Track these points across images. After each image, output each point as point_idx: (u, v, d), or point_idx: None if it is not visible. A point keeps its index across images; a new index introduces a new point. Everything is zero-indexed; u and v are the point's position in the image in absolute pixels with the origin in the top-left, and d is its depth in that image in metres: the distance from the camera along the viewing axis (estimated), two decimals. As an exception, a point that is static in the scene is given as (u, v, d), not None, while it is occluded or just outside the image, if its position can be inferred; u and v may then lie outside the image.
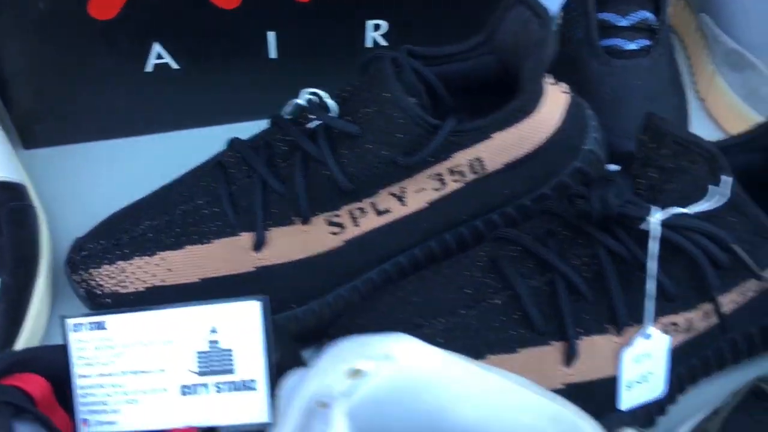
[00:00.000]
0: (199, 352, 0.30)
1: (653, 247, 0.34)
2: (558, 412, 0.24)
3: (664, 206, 0.34)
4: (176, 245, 0.40)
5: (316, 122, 0.39)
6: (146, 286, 0.40)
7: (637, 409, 0.38)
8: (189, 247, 0.40)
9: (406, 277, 0.41)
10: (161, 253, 0.40)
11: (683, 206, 0.34)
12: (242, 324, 0.30)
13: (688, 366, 0.39)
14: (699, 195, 0.34)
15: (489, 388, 0.24)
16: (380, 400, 0.24)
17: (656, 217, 0.34)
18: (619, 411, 0.37)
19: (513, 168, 0.41)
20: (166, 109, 0.52)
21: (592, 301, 0.36)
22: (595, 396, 0.37)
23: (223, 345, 0.30)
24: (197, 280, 0.40)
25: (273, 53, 0.51)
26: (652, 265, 0.34)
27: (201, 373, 0.30)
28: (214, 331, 0.30)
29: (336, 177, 0.38)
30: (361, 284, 0.42)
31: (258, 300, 0.30)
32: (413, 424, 0.24)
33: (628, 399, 0.37)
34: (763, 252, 0.36)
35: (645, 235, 0.34)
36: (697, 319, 0.37)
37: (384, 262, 0.42)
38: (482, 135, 0.39)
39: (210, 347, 0.30)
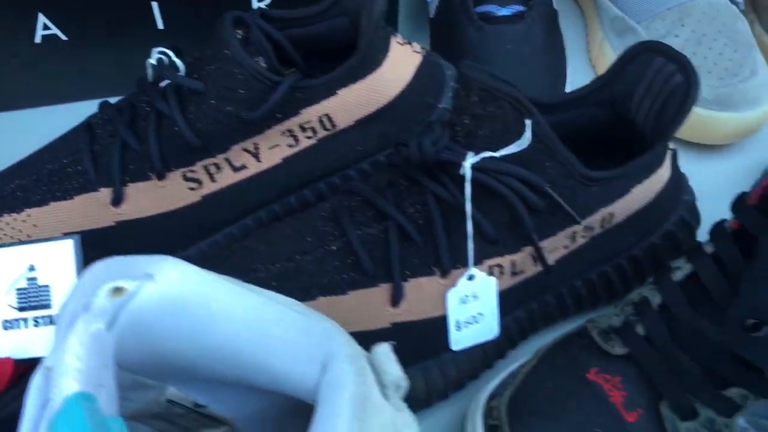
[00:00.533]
0: (18, 289, 0.32)
1: (467, 189, 0.36)
2: (309, 324, 0.26)
3: (477, 151, 0.36)
4: (42, 202, 0.42)
5: (167, 81, 0.41)
6: (13, 242, 0.42)
7: (473, 350, 0.40)
8: (53, 204, 0.42)
9: (264, 231, 0.43)
10: (28, 210, 0.42)
11: (494, 150, 0.35)
12: (57, 261, 0.32)
13: (526, 310, 0.41)
14: (511, 139, 0.36)
15: (246, 306, 0.26)
16: (142, 319, 0.26)
17: (468, 161, 0.35)
18: (453, 351, 0.39)
19: (364, 124, 0.43)
20: (58, 81, 0.53)
21: (422, 245, 0.38)
22: (426, 335, 0.38)
23: (40, 282, 0.32)
24: (60, 236, 0.42)
25: (160, 24, 0.52)
26: (468, 207, 0.36)
27: (20, 309, 0.32)
28: (32, 269, 0.32)
29: (184, 133, 0.40)
30: (222, 238, 0.44)
31: (70, 238, 0.32)
32: (176, 344, 0.26)
33: (459, 339, 0.39)
34: (583, 197, 0.38)
35: (464, 179, 0.36)
36: (523, 262, 0.39)
37: (243, 216, 0.44)
38: (328, 91, 0.41)
39: (28, 284, 0.32)
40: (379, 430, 0.25)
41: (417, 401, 0.39)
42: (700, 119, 0.52)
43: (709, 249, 0.35)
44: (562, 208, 0.37)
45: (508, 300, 0.40)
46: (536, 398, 0.35)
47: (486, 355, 0.40)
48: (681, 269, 0.36)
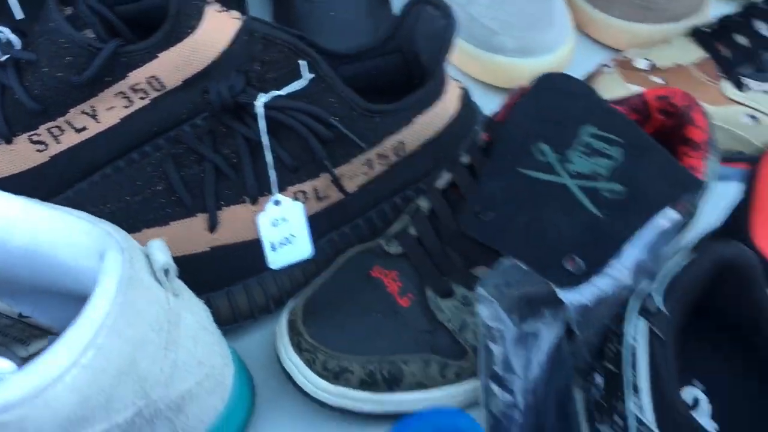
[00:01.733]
0: None
1: (261, 125, 0.42)
2: (91, 226, 0.32)
3: (267, 92, 0.42)
4: None
5: (5, 56, 0.46)
6: None
7: (292, 270, 0.46)
8: None
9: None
10: None
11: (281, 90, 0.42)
12: None
13: (339, 233, 0.47)
14: (294, 80, 0.42)
15: (39, 217, 0.32)
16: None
17: (260, 101, 0.42)
18: (272, 270, 0.45)
19: (190, 84, 0.49)
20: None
21: (234, 179, 0.44)
22: (244, 256, 0.44)
23: None
24: None
25: (18, 14, 0.57)
26: (265, 140, 0.42)
27: None
28: None
29: (23, 100, 0.45)
30: (73, 194, 0.49)
31: None
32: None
33: (276, 259, 0.45)
34: (367, 127, 0.44)
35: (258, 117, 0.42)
36: (325, 188, 0.45)
37: (91, 173, 0.49)
38: (149, 55, 0.47)
39: None
40: (147, 305, 0.31)
41: (242, 315, 0.45)
42: (504, 65, 0.59)
43: (465, 160, 0.42)
44: (347, 136, 0.43)
45: (319, 223, 0.46)
46: (327, 295, 0.41)
47: (303, 274, 0.46)
48: (443, 178, 0.42)
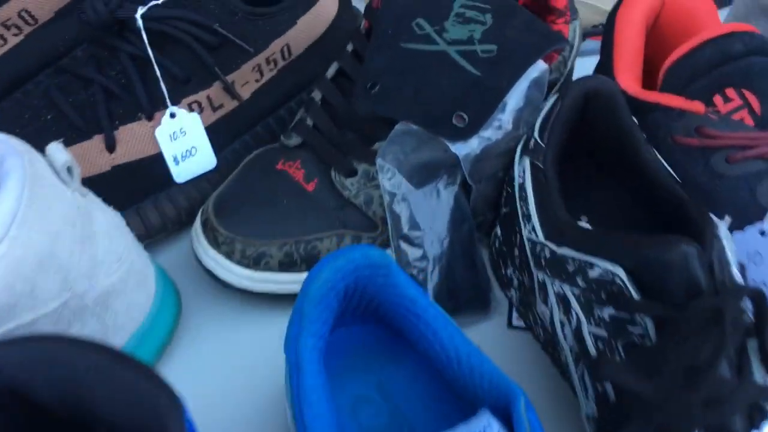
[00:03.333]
0: None
1: (144, 37, 0.42)
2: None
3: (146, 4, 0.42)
4: None
5: None
6: None
7: (198, 181, 0.47)
8: None
9: None
10: None
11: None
12: None
13: (241, 143, 0.49)
14: (171, -11, 0.42)
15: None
16: None
17: (138, 13, 0.42)
18: (179, 184, 0.46)
19: (62, 15, 0.48)
20: None
21: (126, 99, 0.44)
22: (148, 172, 0.45)
23: None
24: None
25: None
26: (150, 54, 0.42)
27: None
28: None
29: None
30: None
31: None
32: None
33: (180, 172, 0.46)
34: (252, 32, 0.45)
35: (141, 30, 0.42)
36: (218, 97, 0.46)
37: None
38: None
39: None
40: (55, 200, 0.31)
41: (155, 230, 0.45)
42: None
43: (349, 48, 0.44)
44: (233, 42, 0.44)
45: (218, 133, 0.47)
46: (237, 191, 0.42)
47: (210, 185, 0.47)
48: (332, 67, 0.44)
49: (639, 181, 0.37)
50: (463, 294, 0.41)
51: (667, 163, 0.38)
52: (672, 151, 0.38)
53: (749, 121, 0.36)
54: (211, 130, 0.46)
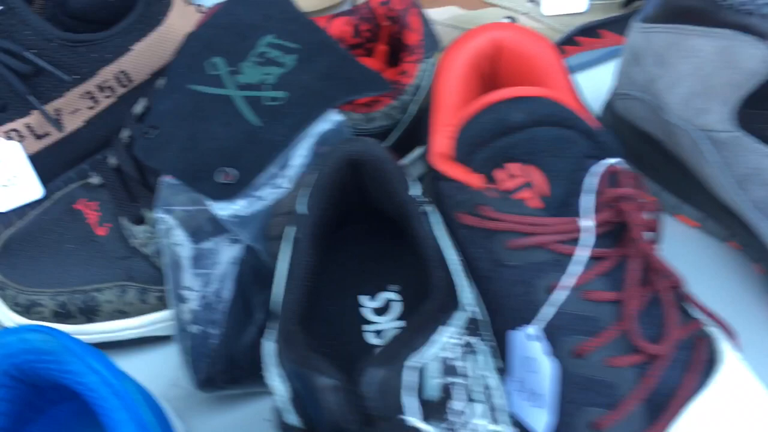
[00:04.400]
0: None
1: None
2: None
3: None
4: None
5: None
6: None
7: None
8: None
9: None
10: None
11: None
12: None
13: (77, 171, 0.47)
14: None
15: None
16: None
17: (-57, 39, 0.40)
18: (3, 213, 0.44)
19: None
20: None
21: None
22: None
23: None
24: None
25: None
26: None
27: None
28: None
29: None
30: None
31: None
32: None
33: (2, 201, 0.44)
34: (73, 58, 0.43)
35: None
36: (40, 125, 0.44)
37: None
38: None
39: None
40: None
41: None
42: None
43: (160, 83, 0.41)
44: (48, 70, 0.42)
45: (45, 161, 0.45)
46: (28, 231, 0.40)
47: (40, 214, 0.46)
48: (140, 103, 0.41)
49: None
50: (243, 363, 0.37)
51: (456, 242, 0.33)
52: (457, 229, 0.33)
53: (536, 203, 0.31)
54: (37, 159, 0.45)
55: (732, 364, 0.32)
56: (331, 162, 0.32)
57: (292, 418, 0.25)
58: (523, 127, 0.31)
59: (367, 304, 0.36)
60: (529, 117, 0.31)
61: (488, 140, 0.32)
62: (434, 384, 0.26)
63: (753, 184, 0.36)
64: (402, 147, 0.42)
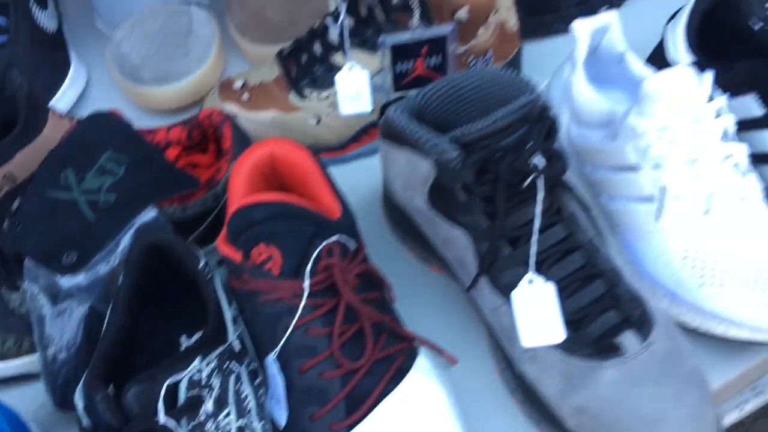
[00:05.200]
0: None
1: None
2: None
3: None
4: None
5: None
6: None
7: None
8: None
9: None
10: None
11: None
12: None
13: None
14: None
15: None
16: None
17: None
18: None
19: None
20: None
21: None
22: None
23: None
24: None
25: None
26: None
27: None
28: None
29: None
30: None
31: None
32: None
33: None
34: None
35: None
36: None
37: None
38: None
39: None
40: None
41: None
42: (146, 93, 0.72)
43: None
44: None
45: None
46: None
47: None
48: (18, 201, 0.55)
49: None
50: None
51: (233, 298, 0.48)
52: (233, 289, 0.48)
53: (276, 271, 0.46)
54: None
55: (416, 375, 0.47)
56: (136, 249, 0.46)
57: (86, 421, 0.39)
58: (264, 221, 0.46)
59: (185, 343, 0.50)
60: (269, 214, 0.46)
61: (245, 229, 0.47)
62: (186, 394, 0.40)
63: (449, 246, 0.52)
64: (217, 228, 0.57)
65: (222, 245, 0.49)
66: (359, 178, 0.66)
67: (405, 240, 0.60)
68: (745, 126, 0.58)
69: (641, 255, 0.55)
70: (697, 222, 0.51)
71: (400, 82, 0.64)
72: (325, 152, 0.68)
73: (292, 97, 0.66)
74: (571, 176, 0.62)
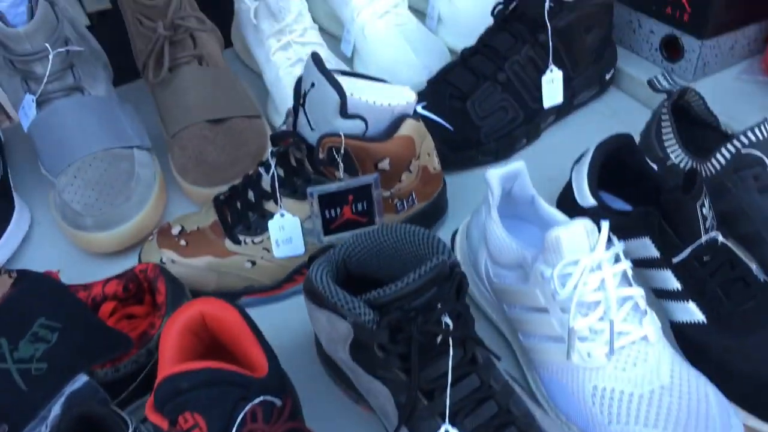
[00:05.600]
0: None
1: None
2: None
3: None
4: None
5: None
6: None
7: None
8: None
9: None
10: None
11: None
12: None
13: None
14: None
15: None
16: None
17: None
18: None
19: None
20: None
21: None
22: None
23: None
24: None
25: None
26: None
27: None
28: None
29: None
30: None
31: None
32: None
33: None
34: None
35: None
36: None
37: None
38: None
39: None
40: None
41: None
42: (87, 238, 0.75)
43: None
44: None
45: None
46: None
47: None
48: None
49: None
50: None
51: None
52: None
53: (203, 436, 0.48)
54: None
55: None
56: (65, 420, 0.48)
57: None
58: (189, 390, 0.48)
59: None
60: (194, 382, 0.48)
61: (171, 398, 0.49)
62: None
63: (371, 395, 0.55)
64: (151, 380, 0.59)
65: (149, 412, 0.50)
66: (293, 314, 0.69)
67: (335, 380, 0.62)
68: (646, 264, 0.62)
69: (556, 391, 0.58)
70: (602, 362, 0.55)
71: (329, 226, 0.68)
72: (261, 292, 0.71)
73: (228, 243, 0.69)
74: (492, 313, 0.66)
